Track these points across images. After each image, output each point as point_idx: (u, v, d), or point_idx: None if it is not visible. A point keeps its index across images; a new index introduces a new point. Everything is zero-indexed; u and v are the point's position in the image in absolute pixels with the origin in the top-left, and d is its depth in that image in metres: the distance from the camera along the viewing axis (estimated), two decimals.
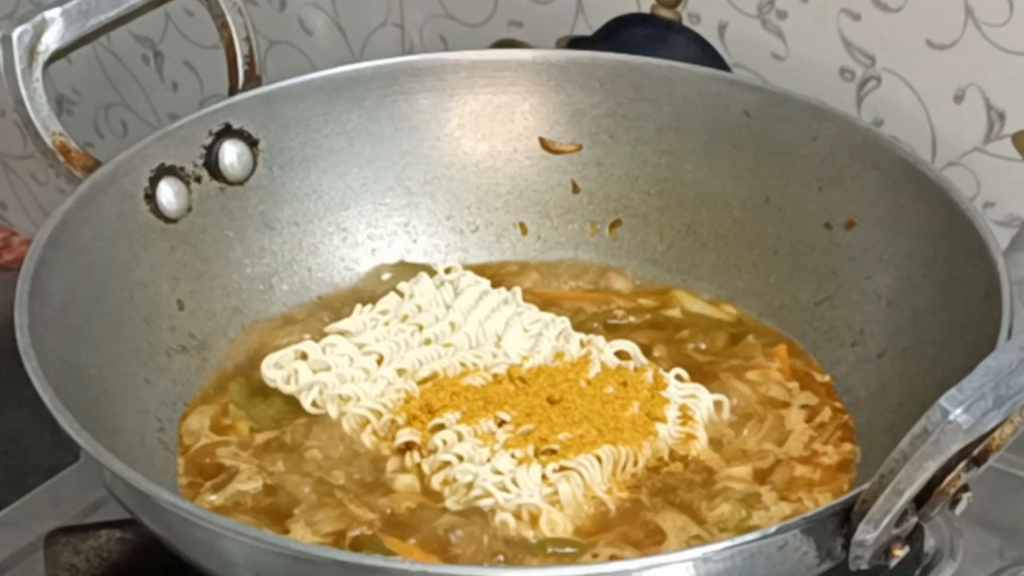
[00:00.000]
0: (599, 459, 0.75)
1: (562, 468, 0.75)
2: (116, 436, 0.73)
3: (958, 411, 0.55)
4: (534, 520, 0.73)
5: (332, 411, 0.80)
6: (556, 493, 0.74)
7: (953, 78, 0.90)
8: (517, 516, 0.73)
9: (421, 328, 0.84)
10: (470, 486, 0.74)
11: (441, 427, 0.77)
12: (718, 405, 0.80)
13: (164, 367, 0.82)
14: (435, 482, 0.76)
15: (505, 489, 0.74)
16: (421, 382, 0.81)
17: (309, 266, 0.89)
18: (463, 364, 0.82)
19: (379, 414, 0.79)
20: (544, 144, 0.91)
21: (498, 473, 0.75)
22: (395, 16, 1.12)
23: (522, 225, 0.92)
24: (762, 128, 0.86)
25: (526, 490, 0.74)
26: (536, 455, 0.76)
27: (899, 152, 0.82)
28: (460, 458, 0.76)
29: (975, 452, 0.60)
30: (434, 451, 0.77)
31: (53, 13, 0.82)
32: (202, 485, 0.77)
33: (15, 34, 0.81)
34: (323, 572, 0.61)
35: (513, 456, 0.75)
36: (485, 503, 0.74)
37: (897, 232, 0.81)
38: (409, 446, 0.77)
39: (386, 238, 0.91)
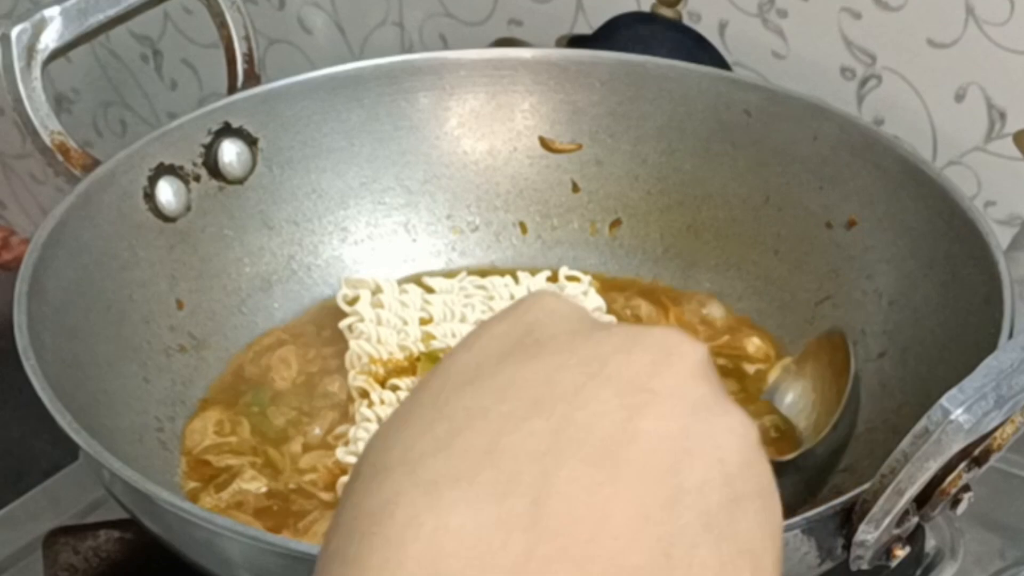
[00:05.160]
0: None
1: None
2: (115, 436, 0.73)
3: (959, 411, 0.55)
4: None
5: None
6: None
7: (954, 77, 0.90)
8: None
9: (492, 298, 0.85)
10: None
11: (396, 388, 0.79)
12: None
13: (163, 367, 0.82)
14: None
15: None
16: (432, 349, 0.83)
17: (308, 265, 0.89)
18: None
19: (376, 362, 0.81)
20: (544, 143, 0.91)
21: None
22: (394, 15, 1.12)
23: (522, 224, 0.91)
24: (762, 127, 0.86)
25: None
26: None
27: (900, 151, 0.81)
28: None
29: (976, 452, 0.60)
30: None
31: (52, 12, 0.82)
32: (205, 486, 0.77)
33: (14, 33, 0.80)
34: None
35: None
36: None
37: (898, 231, 0.81)
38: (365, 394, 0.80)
39: (386, 237, 0.91)
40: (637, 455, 0.36)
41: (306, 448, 0.79)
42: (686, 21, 0.97)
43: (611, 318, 0.85)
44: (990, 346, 0.67)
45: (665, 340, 0.39)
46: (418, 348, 0.82)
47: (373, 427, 0.77)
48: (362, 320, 0.84)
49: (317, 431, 0.79)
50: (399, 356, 0.82)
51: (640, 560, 0.35)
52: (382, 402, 0.79)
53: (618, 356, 0.38)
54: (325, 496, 0.76)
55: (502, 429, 0.36)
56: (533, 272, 0.88)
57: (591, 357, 0.38)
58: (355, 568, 0.34)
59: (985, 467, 0.61)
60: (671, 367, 0.38)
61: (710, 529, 0.36)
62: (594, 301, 0.86)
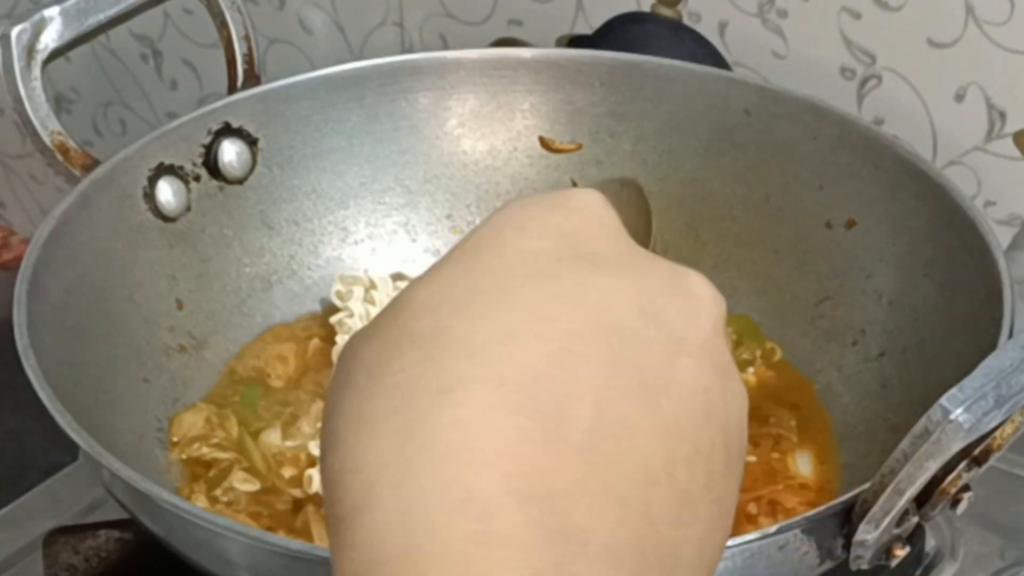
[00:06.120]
0: None
1: None
2: (115, 436, 0.73)
3: (959, 411, 0.55)
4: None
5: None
6: None
7: (954, 77, 0.90)
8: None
9: None
10: None
11: None
12: None
13: (163, 367, 0.82)
14: None
15: None
16: None
17: (308, 265, 0.89)
18: None
19: None
20: (544, 143, 0.91)
21: None
22: (395, 15, 1.12)
23: None
24: (762, 127, 0.86)
25: None
26: None
27: (900, 151, 0.81)
28: None
29: (976, 452, 0.60)
30: None
31: (52, 12, 0.82)
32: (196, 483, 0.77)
33: (13, 33, 0.80)
34: (323, 572, 0.61)
35: None
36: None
37: (898, 231, 0.81)
38: None
39: (386, 237, 0.91)
40: (669, 403, 0.38)
41: (287, 442, 0.79)
42: (686, 21, 0.97)
43: None
44: (990, 346, 0.67)
45: (700, 289, 0.41)
46: None
47: None
48: (351, 316, 0.84)
49: (303, 426, 0.79)
50: None
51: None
52: None
53: (663, 297, 0.40)
54: (296, 492, 0.76)
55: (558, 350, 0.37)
56: None
57: (640, 290, 0.39)
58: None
59: (985, 467, 0.61)
60: (699, 320, 0.40)
61: (711, 489, 0.38)
62: None
